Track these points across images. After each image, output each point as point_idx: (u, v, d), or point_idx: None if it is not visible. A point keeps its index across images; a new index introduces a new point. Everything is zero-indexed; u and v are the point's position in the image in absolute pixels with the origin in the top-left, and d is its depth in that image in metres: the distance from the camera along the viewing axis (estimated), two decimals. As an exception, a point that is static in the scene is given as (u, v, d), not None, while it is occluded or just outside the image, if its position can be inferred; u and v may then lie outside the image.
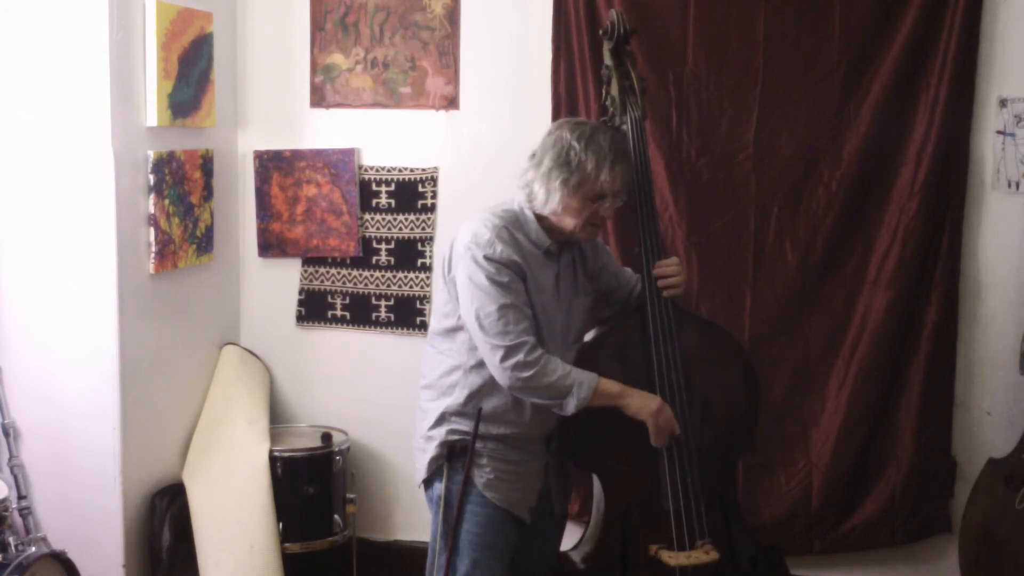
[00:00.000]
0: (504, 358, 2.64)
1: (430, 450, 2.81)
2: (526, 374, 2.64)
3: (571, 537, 3.16)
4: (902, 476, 3.73)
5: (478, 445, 2.76)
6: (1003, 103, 3.62)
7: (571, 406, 2.70)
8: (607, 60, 3.06)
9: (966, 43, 3.57)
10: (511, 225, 2.74)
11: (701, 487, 2.86)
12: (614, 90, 3.03)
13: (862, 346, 3.72)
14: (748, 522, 3.10)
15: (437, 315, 2.86)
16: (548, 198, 2.71)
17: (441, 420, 2.80)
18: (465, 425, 2.77)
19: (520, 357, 2.63)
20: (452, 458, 2.78)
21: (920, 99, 3.63)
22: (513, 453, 2.81)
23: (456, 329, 2.78)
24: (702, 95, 3.73)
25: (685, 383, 2.87)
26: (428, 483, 2.87)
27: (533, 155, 2.77)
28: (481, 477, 2.77)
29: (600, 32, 3.09)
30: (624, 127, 2.98)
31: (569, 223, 2.74)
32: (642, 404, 2.76)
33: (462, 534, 2.77)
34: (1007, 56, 3.61)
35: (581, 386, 2.69)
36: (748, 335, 3.76)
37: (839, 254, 3.74)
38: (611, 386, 2.75)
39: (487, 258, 2.66)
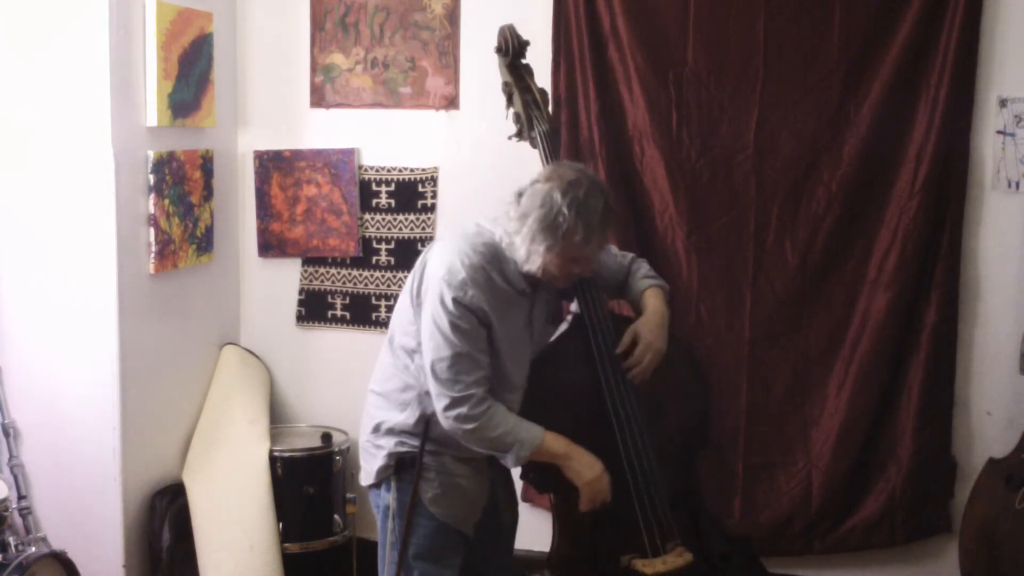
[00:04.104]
0: (448, 408, 2.61)
1: (379, 458, 2.79)
2: (468, 427, 2.62)
3: (541, 537, 3.14)
4: (902, 476, 3.73)
5: (426, 459, 2.75)
6: (1003, 103, 3.62)
7: (510, 462, 2.68)
8: (505, 76, 3.02)
9: (966, 43, 3.57)
10: (489, 263, 2.63)
11: (665, 491, 2.83)
12: (517, 106, 2.97)
13: (862, 346, 3.71)
14: (714, 514, 3.06)
15: (402, 329, 2.78)
16: (529, 259, 2.60)
17: (390, 433, 2.77)
18: (415, 441, 2.75)
19: (464, 409, 2.60)
20: (400, 470, 2.76)
21: (920, 99, 3.63)
22: (459, 467, 2.79)
23: (416, 352, 2.73)
24: (702, 95, 3.73)
25: (633, 389, 2.83)
26: (375, 486, 2.85)
27: (519, 196, 2.61)
28: (428, 492, 2.76)
29: (495, 49, 3.06)
30: (534, 142, 2.95)
31: (545, 276, 2.66)
32: (581, 470, 2.70)
33: (410, 547, 2.77)
34: (1007, 56, 3.60)
35: (522, 446, 2.64)
36: (748, 335, 3.76)
37: (839, 254, 3.74)
38: (557, 445, 2.69)
39: (455, 300, 2.58)
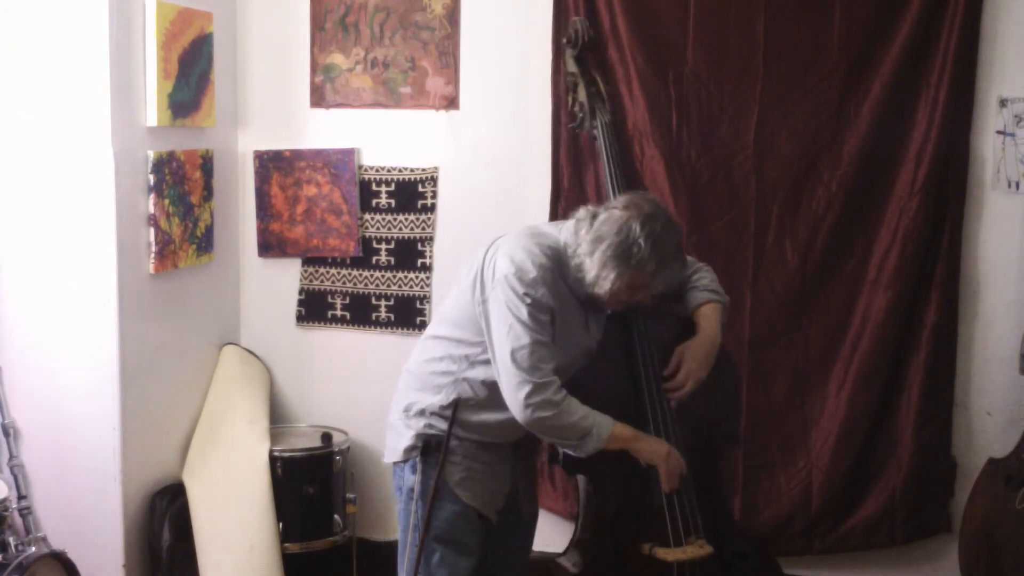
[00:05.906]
0: (531, 394, 2.62)
1: (407, 437, 2.83)
2: (549, 413, 2.64)
3: (562, 536, 3.15)
4: (902, 476, 3.73)
5: (452, 443, 2.79)
6: (1003, 103, 3.62)
7: (588, 448, 2.69)
8: (571, 67, 3.12)
9: (966, 43, 3.57)
10: (556, 267, 2.70)
11: (691, 481, 2.86)
12: (581, 96, 3.10)
13: (862, 346, 3.72)
14: (733, 514, 3.10)
15: (453, 321, 2.82)
16: (597, 283, 2.67)
17: (421, 414, 2.82)
18: (443, 424, 2.79)
19: (547, 395, 2.63)
20: (427, 452, 2.80)
21: (920, 99, 3.63)
22: (484, 454, 2.84)
23: (463, 342, 2.77)
24: (702, 95, 3.73)
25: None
26: (399, 464, 2.88)
27: (593, 217, 2.68)
28: (454, 475, 2.80)
29: (564, 40, 3.13)
30: (595, 132, 3.01)
31: (609, 300, 2.74)
32: (654, 449, 2.78)
33: (432, 529, 2.79)
34: (1007, 56, 3.60)
35: (601, 427, 2.69)
36: (748, 335, 3.76)
37: (839, 254, 3.74)
38: (625, 429, 2.75)
39: (529, 296, 2.63)
